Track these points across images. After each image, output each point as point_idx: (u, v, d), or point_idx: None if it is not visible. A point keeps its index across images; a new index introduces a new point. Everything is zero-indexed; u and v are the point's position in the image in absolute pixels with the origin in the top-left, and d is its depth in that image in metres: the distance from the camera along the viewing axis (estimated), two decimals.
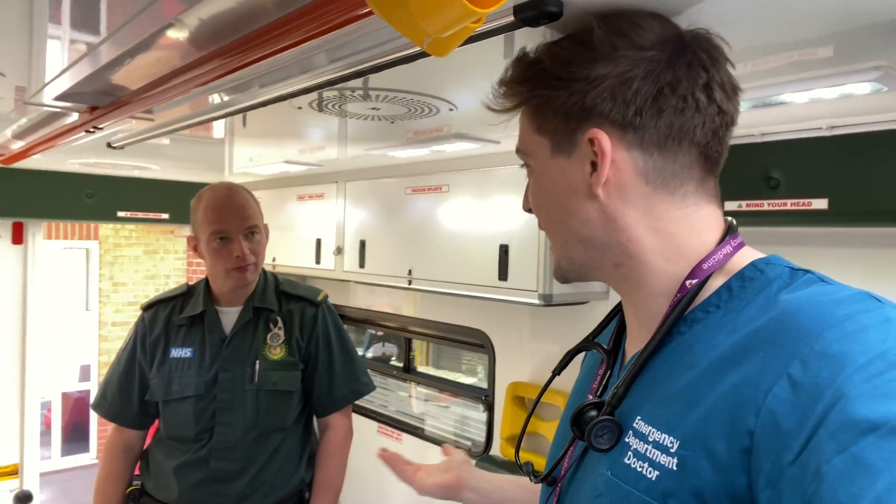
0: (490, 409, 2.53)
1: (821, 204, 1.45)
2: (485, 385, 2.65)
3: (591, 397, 0.81)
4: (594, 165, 0.73)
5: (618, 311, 0.89)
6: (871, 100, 1.23)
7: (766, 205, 1.53)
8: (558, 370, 0.95)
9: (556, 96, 0.74)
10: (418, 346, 3.26)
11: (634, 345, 0.80)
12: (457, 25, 0.58)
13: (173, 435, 1.97)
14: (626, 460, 0.68)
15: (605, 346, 0.86)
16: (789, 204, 1.49)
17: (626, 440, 0.70)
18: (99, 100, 1.38)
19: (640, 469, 0.66)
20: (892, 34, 0.87)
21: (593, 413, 0.73)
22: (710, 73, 0.73)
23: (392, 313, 3.06)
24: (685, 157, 0.74)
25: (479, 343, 2.58)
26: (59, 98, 1.37)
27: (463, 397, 2.82)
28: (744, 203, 1.56)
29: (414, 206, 2.38)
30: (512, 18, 0.75)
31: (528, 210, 0.86)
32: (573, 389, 0.96)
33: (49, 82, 1.26)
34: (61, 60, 1.16)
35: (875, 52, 0.96)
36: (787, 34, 0.90)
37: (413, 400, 3.19)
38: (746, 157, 1.55)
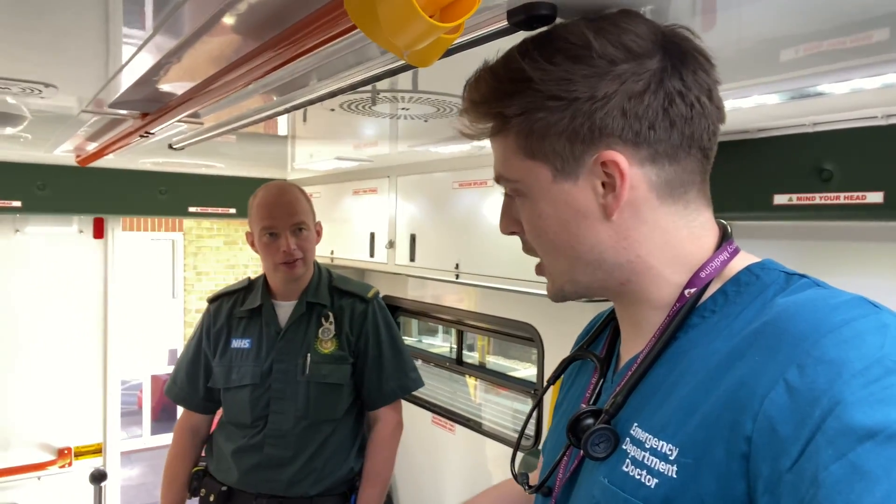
0: (540, 403, 2.52)
1: (876, 197, 1.36)
2: None
3: (584, 406, 0.80)
4: (605, 186, 0.70)
5: (611, 318, 0.88)
6: None
7: (819, 198, 1.44)
8: (552, 379, 0.94)
9: (558, 118, 0.69)
10: (478, 337, 3.27)
11: (630, 350, 0.79)
12: (425, 40, 0.58)
13: (232, 420, 2.08)
14: (623, 468, 0.68)
15: (598, 355, 0.85)
16: (842, 197, 1.41)
17: (624, 447, 0.69)
18: (148, 106, 1.45)
19: (638, 477, 0.66)
20: None
21: (590, 421, 0.72)
22: (710, 74, 0.71)
23: (445, 306, 3.09)
24: (692, 163, 0.72)
25: (528, 337, 2.57)
26: (112, 105, 1.46)
27: (513, 390, 2.82)
28: (794, 196, 1.48)
29: (461, 200, 2.39)
30: (505, 23, 0.74)
31: (511, 233, 0.82)
32: (562, 397, 0.95)
33: (100, 91, 1.34)
34: (110, 71, 1.23)
35: None
36: (836, 17, 0.83)
37: (471, 391, 3.21)
38: (797, 148, 1.46)
